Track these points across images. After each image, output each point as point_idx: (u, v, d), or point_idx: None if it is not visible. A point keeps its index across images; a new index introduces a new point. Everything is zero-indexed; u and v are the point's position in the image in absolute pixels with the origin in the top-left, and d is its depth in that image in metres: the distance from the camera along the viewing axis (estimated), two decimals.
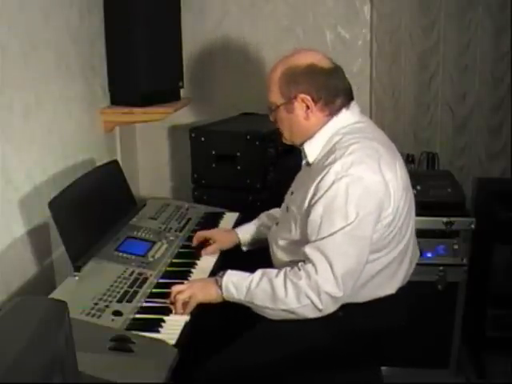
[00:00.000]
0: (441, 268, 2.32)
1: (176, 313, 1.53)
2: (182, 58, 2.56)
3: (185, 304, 1.54)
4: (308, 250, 1.49)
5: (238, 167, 2.42)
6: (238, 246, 1.97)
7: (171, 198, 2.92)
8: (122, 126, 2.64)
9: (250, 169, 2.41)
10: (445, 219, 2.29)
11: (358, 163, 1.47)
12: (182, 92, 2.61)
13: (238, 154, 2.41)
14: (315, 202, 1.50)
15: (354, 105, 1.64)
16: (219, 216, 2.23)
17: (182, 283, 1.65)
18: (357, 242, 1.47)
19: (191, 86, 2.79)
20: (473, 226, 2.28)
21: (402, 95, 2.75)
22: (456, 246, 2.31)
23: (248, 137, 2.38)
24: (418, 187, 2.32)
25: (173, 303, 1.56)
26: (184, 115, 2.83)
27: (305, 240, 1.55)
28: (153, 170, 3.02)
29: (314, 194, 1.51)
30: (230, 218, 2.22)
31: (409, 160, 2.64)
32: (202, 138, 2.47)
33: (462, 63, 2.68)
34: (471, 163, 2.78)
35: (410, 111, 2.77)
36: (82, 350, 1.04)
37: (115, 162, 2.22)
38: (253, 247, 1.97)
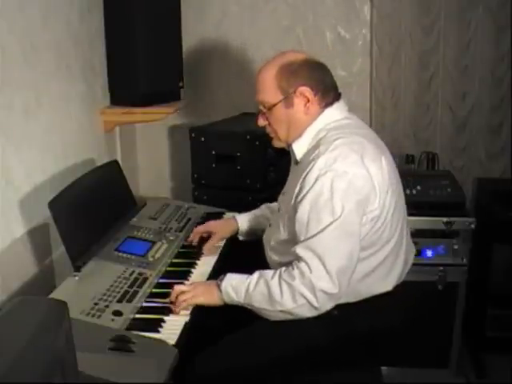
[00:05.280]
0: (441, 268, 2.32)
1: (175, 312, 1.53)
2: (182, 57, 2.56)
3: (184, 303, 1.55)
4: (299, 250, 1.49)
5: (238, 167, 2.42)
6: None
7: (171, 197, 2.92)
8: (122, 126, 2.64)
9: (250, 169, 2.41)
10: (445, 219, 2.29)
11: (342, 158, 1.48)
12: (182, 92, 2.60)
13: (238, 154, 2.41)
14: (301, 199, 1.50)
15: (341, 101, 1.66)
16: (219, 216, 2.22)
17: (182, 283, 1.66)
18: (346, 237, 1.47)
19: (191, 86, 2.79)
20: (473, 226, 2.28)
21: (402, 95, 2.75)
22: (456, 246, 2.31)
23: (248, 137, 2.38)
24: (418, 187, 2.33)
25: (172, 302, 1.56)
26: (184, 115, 2.83)
27: (293, 239, 1.54)
28: (153, 170, 3.02)
29: (300, 191, 1.52)
30: None
31: (409, 160, 2.64)
32: (202, 138, 2.47)
33: (461, 63, 2.68)
34: (471, 163, 2.78)
35: (409, 111, 2.77)
36: (82, 350, 1.03)
37: (115, 162, 2.22)
38: (249, 237, 1.97)
